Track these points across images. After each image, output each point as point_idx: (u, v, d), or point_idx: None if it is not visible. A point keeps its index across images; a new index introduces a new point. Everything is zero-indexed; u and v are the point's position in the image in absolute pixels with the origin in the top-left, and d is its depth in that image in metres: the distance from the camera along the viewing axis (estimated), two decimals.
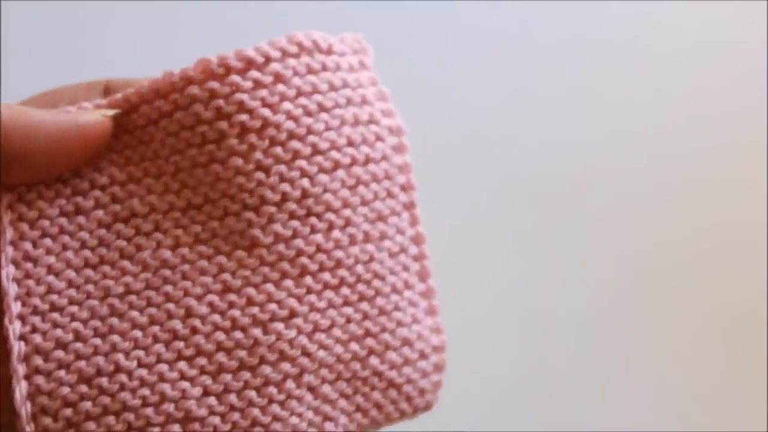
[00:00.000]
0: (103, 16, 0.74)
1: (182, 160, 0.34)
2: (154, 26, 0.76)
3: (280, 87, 0.34)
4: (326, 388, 0.35)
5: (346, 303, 0.35)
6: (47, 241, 0.34)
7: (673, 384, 0.91)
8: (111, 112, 0.34)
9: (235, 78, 0.33)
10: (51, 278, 0.33)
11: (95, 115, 0.34)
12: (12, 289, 0.33)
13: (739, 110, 0.90)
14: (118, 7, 0.74)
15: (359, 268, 0.35)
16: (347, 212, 0.35)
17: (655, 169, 0.89)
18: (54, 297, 0.33)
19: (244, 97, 0.33)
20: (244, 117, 0.34)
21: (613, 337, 0.90)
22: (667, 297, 0.90)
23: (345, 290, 0.35)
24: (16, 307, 0.33)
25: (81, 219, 0.34)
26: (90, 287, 0.34)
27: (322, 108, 0.34)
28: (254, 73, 0.34)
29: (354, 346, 0.35)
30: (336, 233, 0.35)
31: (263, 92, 0.34)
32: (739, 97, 0.90)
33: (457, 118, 0.84)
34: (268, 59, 0.34)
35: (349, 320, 0.35)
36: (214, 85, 0.33)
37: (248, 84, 0.33)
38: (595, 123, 0.87)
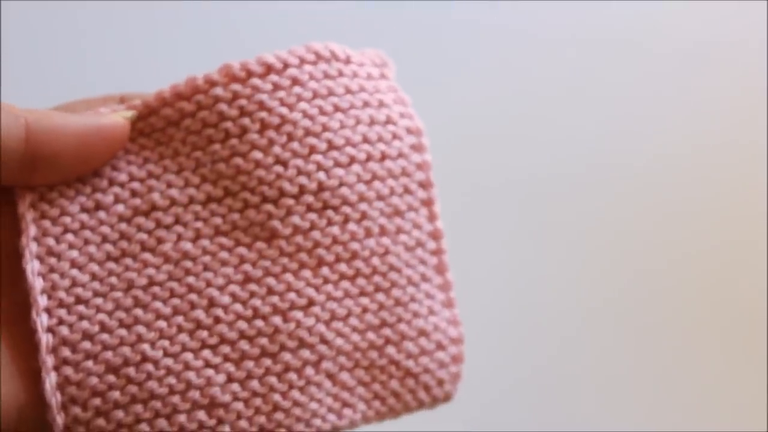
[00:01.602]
0: (104, 17, 0.74)
1: (204, 155, 0.36)
2: (155, 26, 0.76)
3: (297, 89, 0.36)
4: (344, 376, 0.36)
5: (363, 293, 0.37)
6: (69, 237, 0.35)
7: (673, 384, 0.91)
8: (128, 113, 0.35)
9: (256, 81, 0.35)
10: (75, 272, 0.35)
11: (115, 117, 0.35)
12: (38, 284, 0.34)
13: (741, 111, 0.90)
14: (118, 7, 0.75)
15: (375, 260, 0.37)
16: (363, 206, 0.36)
17: (656, 169, 0.89)
18: (79, 290, 0.34)
19: (264, 97, 0.35)
20: (263, 114, 0.35)
21: (613, 337, 0.90)
22: (668, 297, 0.91)
23: (361, 281, 0.37)
24: (42, 301, 0.34)
25: (101, 214, 0.35)
26: (113, 279, 0.35)
27: (337, 108, 0.36)
28: (273, 77, 0.36)
29: (371, 335, 0.37)
30: (352, 226, 0.36)
31: (281, 93, 0.36)
32: (742, 97, 0.90)
33: (457, 117, 0.84)
34: (286, 65, 0.36)
35: (365, 310, 0.37)
36: (236, 87, 0.35)
37: (268, 86, 0.36)
38: (595, 123, 0.87)
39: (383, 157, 0.37)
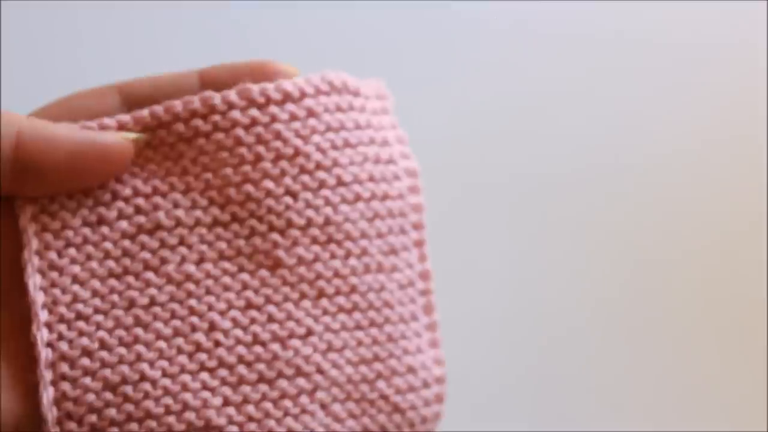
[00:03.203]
0: (104, 17, 0.74)
1: (215, 178, 0.36)
2: (155, 27, 0.76)
3: (312, 121, 0.37)
4: (337, 407, 0.37)
5: (358, 327, 0.37)
6: (72, 251, 0.35)
7: (672, 384, 0.92)
8: (133, 136, 0.35)
9: (274, 109, 0.36)
10: (76, 287, 0.35)
11: (116, 137, 0.35)
12: (39, 298, 0.34)
13: (741, 110, 0.91)
14: (118, 7, 0.74)
15: (372, 296, 0.38)
16: (364, 242, 0.37)
17: (656, 169, 0.90)
18: (80, 306, 0.35)
19: (281, 127, 0.36)
20: (279, 144, 0.36)
21: (612, 336, 0.90)
22: (667, 296, 0.91)
23: (357, 315, 0.37)
24: (43, 315, 0.34)
25: (104, 229, 0.35)
26: (115, 297, 0.35)
27: (347, 144, 0.37)
28: (290, 106, 0.36)
29: (363, 368, 0.37)
30: (353, 261, 0.37)
31: (297, 124, 0.36)
32: (742, 97, 0.91)
33: (457, 117, 0.84)
34: (303, 94, 0.37)
35: (360, 343, 0.37)
36: (255, 113, 0.36)
37: (285, 116, 0.36)
38: (594, 122, 0.88)
39: (385, 196, 0.38)
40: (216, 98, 0.36)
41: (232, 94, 0.36)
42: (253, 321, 0.36)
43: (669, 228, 0.91)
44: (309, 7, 0.79)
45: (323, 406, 0.37)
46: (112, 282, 0.35)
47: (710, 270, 0.92)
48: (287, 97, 0.36)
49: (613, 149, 0.89)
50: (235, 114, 0.36)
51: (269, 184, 0.36)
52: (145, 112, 0.36)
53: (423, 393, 0.39)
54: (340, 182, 0.37)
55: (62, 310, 0.34)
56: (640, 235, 0.91)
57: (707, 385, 0.93)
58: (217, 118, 0.36)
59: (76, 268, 0.35)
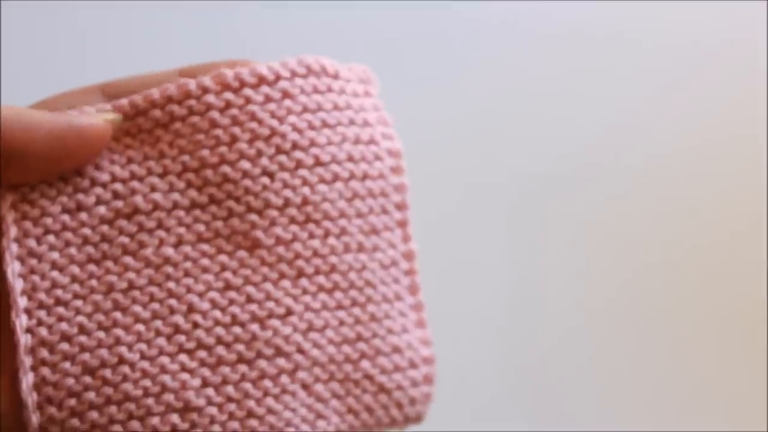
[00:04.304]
0: (104, 16, 0.75)
1: (191, 160, 0.36)
2: (154, 27, 0.77)
3: (287, 102, 0.37)
4: (319, 387, 0.37)
5: (340, 307, 0.37)
6: (50, 238, 0.35)
7: (672, 384, 0.92)
8: (111, 116, 0.36)
9: (248, 91, 0.36)
10: (55, 273, 0.35)
11: (95, 118, 0.35)
12: (18, 285, 0.34)
13: (741, 110, 0.91)
14: (117, 7, 0.75)
15: (352, 275, 0.38)
16: (343, 222, 0.37)
17: (655, 168, 0.90)
18: (58, 291, 0.35)
19: (255, 108, 0.36)
20: (254, 125, 0.36)
21: (611, 336, 0.90)
22: (666, 295, 0.91)
23: (338, 294, 0.37)
24: (22, 302, 0.34)
25: (83, 216, 0.35)
26: (93, 282, 0.35)
27: (325, 124, 0.37)
28: (265, 89, 0.37)
29: (346, 348, 0.37)
30: (332, 240, 0.37)
31: (272, 105, 0.36)
32: (742, 96, 0.91)
33: (456, 117, 0.84)
34: (278, 77, 0.37)
35: (341, 323, 0.37)
36: (229, 96, 0.36)
37: (259, 98, 0.36)
38: (593, 121, 0.88)
39: (365, 176, 0.38)
40: (191, 84, 0.36)
41: (206, 80, 0.36)
42: (231, 302, 0.36)
43: (669, 228, 0.91)
44: (308, 6, 0.80)
45: (305, 386, 0.36)
46: (91, 267, 0.35)
47: (710, 270, 0.92)
48: (262, 80, 0.36)
49: (613, 149, 0.89)
50: (210, 98, 0.36)
51: (246, 164, 0.36)
52: (124, 101, 0.36)
53: (410, 373, 0.39)
54: (318, 162, 0.37)
55: (41, 296, 0.35)
56: (639, 235, 0.90)
57: (707, 385, 0.93)
58: (192, 102, 0.36)
59: (55, 255, 0.35)
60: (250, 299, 0.36)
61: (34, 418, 0.34)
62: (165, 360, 0.35)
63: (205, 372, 0.35)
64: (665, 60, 0.89)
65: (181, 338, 0.35)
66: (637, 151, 0.90)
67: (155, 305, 0.35)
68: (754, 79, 0.91)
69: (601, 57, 0.88)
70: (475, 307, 0.86)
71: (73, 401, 0.34)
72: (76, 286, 0.35)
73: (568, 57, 0.87)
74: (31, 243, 0.35)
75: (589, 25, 0.88)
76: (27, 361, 0.34)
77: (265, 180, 0.36)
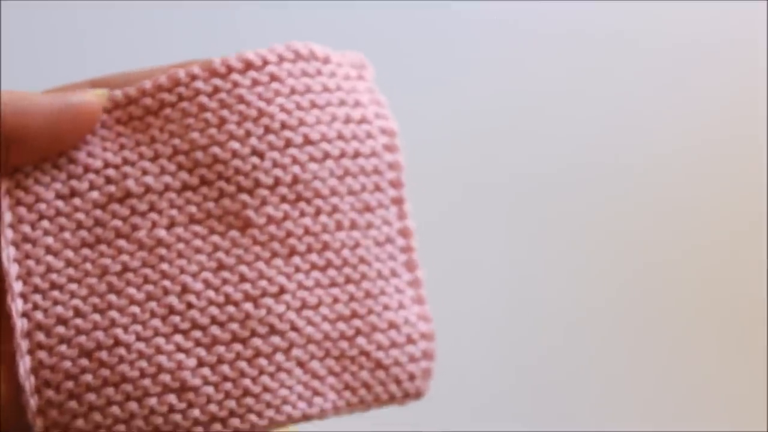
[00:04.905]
0: (104, 16, 0.75)
1: (182, 143, 0.37)
2: (154, 27, 0.77)
3: (275, 85, 0.37)
4: (315, 364, 0.37)
5: (333, 284, 0.38)
6: (45, 223, 0.36)
7: (672, 384, 0.92)
8: (100, 91, 0.37)
9: (236, 76, 0.37)
10: (50, 258, 0.35)
11: (85, 95, 0.36)
12: (13, 269, 0.35)
13: (741, 110, 0.91)
14: (117, 7, 0.75)
15: (346, 252, 0.38)
16: (335, 200, 0.38)
17: (654, 168, 0.90)
18: (53, 276, 0.35)
19: (243, 91, 0.37)
20: (242, 107, 0.37)
21: (611, 336, 0.91)
22: (667, 297, 0.92)
23: (332, 272, 0.37)
24: (17, 286, 0.35)
25: (77, 201, 0.36)
26: (88, 266, 0.35)
27: (314, 105, 0.38)
28: (252, 73, 0.37)
29: (341, 325, 0.38)
30: (324, 218, 0.37)
31: (260, 88, 0.37)
32: (742, 96, 0.91)
33: (456, 117, 0.85)
34: (265, 62, 0.37)
35: (336, 300, 0.38)
36: (217, 81, 0.37)
37: (247, 81, 0.37)
38: (593, 121, 0.88)
39: (356, 154, 0.38)
40: (180, 72, 0.37)
41: (194, 68, 0.37)
42: (225, 282, 0.36)
43: (669, 228, 0.91)
44: (308, 6, 0.80)
45: (300, 364, 0.37)
46: (85, 251, 0.36)
47: (710, 270, 0.93)
48: (249, 66, 0.37)
49: (613, 149, 0.90)
50: (198, 84, 0.37)
51: (235, 144, 0.36)
52: (117, 92, 0.37)
53: (408, 349, 0.39)
54: (308, 141, 0.37)
55: (36, 280, 0.35)
56: (639, 235, 0.91)
57: (707, 385, 0.93)
58: (181, 89, 0.37)
59: (50, 239, 0.36)
60: (243, 278, 0.36)
61: (33, 402, 0.34)
62: (160, 341, 0.35)
63: (201, 352, 0.35)
64: (665, 60, 0.90)
65: (176, 319, 0.35)
66: (637, 151, 0.91)
67: (149, 287, 0.36)
68: (754, 79, 0.92)
69: (601, 57, 0.89)
70: (475, 307, 0.86)
71: (70, 384, 0.34)
72: (70, 270, 0.35)
73: (568, 57, 0.88)
74: (26, 228, 0.36)
75: (589, 25, 0.88)
76: (24, 345, 0.34)
77: (255, 160, 0.36)
